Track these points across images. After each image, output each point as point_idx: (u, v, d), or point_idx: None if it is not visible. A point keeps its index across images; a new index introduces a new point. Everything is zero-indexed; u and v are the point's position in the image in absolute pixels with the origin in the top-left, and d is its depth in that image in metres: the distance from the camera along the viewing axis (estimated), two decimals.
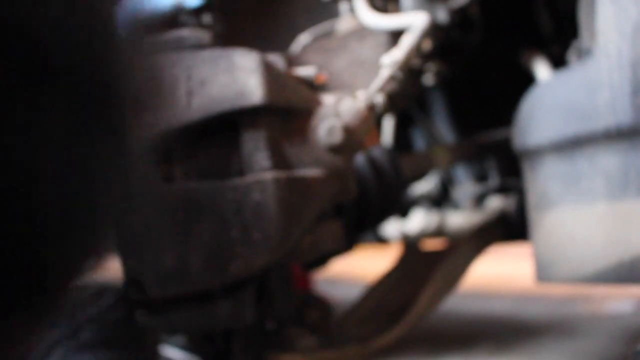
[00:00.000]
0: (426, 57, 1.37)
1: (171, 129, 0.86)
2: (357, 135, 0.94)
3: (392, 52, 1.04)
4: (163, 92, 0.88)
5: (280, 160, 0.88)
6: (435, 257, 1.39)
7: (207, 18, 1.05)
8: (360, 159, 1.24)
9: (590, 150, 0.95)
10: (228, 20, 1.37)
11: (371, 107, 0.97)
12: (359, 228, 1.27)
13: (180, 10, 1.02)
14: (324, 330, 1.21)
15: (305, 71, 1.00)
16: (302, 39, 1.27)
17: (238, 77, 0.87)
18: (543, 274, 1.10)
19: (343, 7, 1.28)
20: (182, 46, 0.93)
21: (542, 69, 1.29)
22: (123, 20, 0.98)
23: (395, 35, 1.15)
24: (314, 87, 0.99)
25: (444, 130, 1.68)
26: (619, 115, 0.89)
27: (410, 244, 1.53)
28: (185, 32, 0.97)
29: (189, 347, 1.21)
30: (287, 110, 0.91)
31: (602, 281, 0.97)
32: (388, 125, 1.68)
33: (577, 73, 0.99)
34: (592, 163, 0.95)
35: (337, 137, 0.91)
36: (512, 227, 1.48)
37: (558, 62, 1.28)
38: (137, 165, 0.86)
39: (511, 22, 1.46)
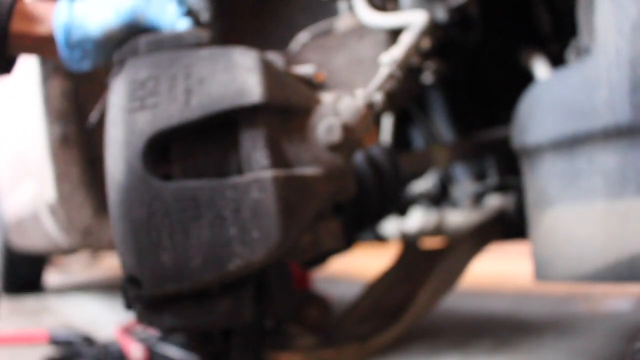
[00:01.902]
0: (425, 55, 1.37)
1: (170, 127, 0.86)
2: (356, 134, 0.94)
3: (391, 51, 1.04)
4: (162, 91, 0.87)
5: (279, 159, 0.88)
6: (434, 256, 1.39)
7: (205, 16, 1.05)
8: (359, 157, 1.24)
9: (589, 148, 0.95)
10: (228, 19, 1.37)
11: (370, 106, 0.97)
12: (358, 226, 1.27)
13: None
14: (323, 329, 1.21)
15: (304, 69, 1.00)
16: (301, 38, 1.27)
17: (237, 75, 0.87)
18: (542, 272, 1.10)
19: (342, 5, 1.28)
20: (181, 44, 0.93)
21: (541, 68, 1.29)
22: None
23: (394, 34, 1.15)
24: (313, 86, 0.99)
25: (443, 128, 1.68)
26: (617, 113, 0.89)
27: (409, 242, 1.53)
28: (184, 31, 0.96)
29: (187, 346, 1.21)
30: (286, 109, 0.91)
31: (600, 279, 0.97)
32: (387, 124, 1.68)
33: (576, 71, 0.99)
34: (591, 161, 0.95)
35: (336, 136, 0.91)
36: (511, 226, 1.49)
37: (557, 60, 1.28)
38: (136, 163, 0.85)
39: (510, 20, 1.46)
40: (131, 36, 0.96)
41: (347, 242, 1.18)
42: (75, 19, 0.96)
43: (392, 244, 1.79)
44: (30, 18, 0.97)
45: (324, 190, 0.91)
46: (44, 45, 0.98)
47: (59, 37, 0.96)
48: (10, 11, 0.95)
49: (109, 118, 0.89)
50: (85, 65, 0.99)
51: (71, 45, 0.97)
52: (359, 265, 3.48)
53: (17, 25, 0.96)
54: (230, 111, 0.86)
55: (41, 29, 0.97)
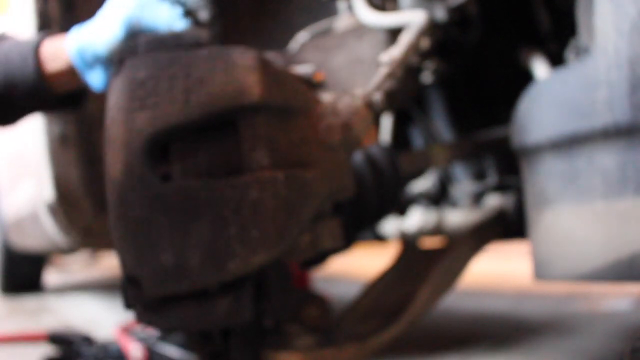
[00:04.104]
0: (424, 55, 1.37)
1: (169, 127, 0.86)
2: (355, 133, 0.94)
3: (391, 50, 1.04)
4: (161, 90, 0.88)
5: (278, 159, 0.88)
6: (434, 255, 1.39)
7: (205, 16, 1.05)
8: (358, 157, 1.24)
9: (588, 148, 0.95)
10: (228, 19, 1.37)
11: (369, 105, 0.97)
12: (357, 226, 1.27)
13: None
14: (322, 329, 1.21)
15: (303, 69, 1.00)
16: (301, 37, 1.27)
17: (236, 75, 0.87)
18: (541, 272, 1.10)
19: (341, 5, 1.28)
20: (180, 44, 0.93)
21: (540, 67, 1.29)
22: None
23: (394, 33, 1.15)
24: (312, 85, 0.99)
25: (442, 128, 1.68)
26: (616, 113, 0.89)
27: (409, 242, 1.53)
28: (184, 31, 0.97)
29: (187, 346, 1.21)
30: (285, 109, 0.91)
31: (600, 279, 0.97)
32: (386, 123, 1.68)
33: (575, 71, 0.99)
34: (590, 161, 0.95)
35: (335, 135, 0.91)
36: (510, 225, 1.48)
37: (556, 60, 1.28)
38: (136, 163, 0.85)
39: (509, 20, 1.46)
40: None
41: (346, 241, 1.18)
42: (84, 43, 1.00)
43: (391, 244, 1.79)
44: (54, 57, 1.02)
45: (323, 190, 0.91)
46: (75, 78, 1.03)
47: (78, 65, 1.00)
48: (36, 54, 1.01)
49: (108, 118, 0.89)
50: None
51: (90, 67, 1.00)
52: (359, 265, 3.48)
53: (49, 66, 1.02)
54: (230, 111, 0.86)
55: (63, 64, 1.02)
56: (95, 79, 1.01)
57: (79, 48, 1.00)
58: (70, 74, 1.02)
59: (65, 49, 1.01)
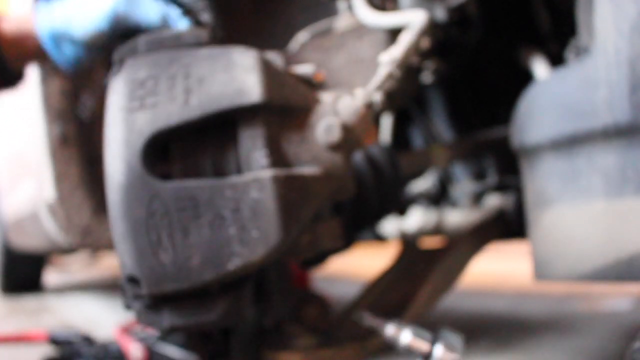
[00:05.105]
0: (424, 55, 1.37)
1: (169, 126, 0.86)
2: (355, 133, 0.94)
3: (391, 50, 1.03)
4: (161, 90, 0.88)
5: (278, 158, 0.88)
6: (434, 255, 1.39)
7: (205, 16, 1.05)
8: (358, 157, 1.24)
9: (588, 148, 0.95)
10: (228, 19, 1.37)
11: (369, 105, 0.97)
12: (358, 226, 1.27)
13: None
14: (322, 329, 1.21)
15: (303, 69, 1.00)
16: (301, 37, 1.27)
17: (236, 75, 0.87)
18: (541, 271, 1.10)
19: (341, 5, 1.28)
20: (180, 44, 0.93)
21: (540, 67, 1.29)
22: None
23: (394, 33, 1.15)
24: (312, 85, 0.99)
25: (442, 128, 1.68)
26: (616, 113, 0.89)
27: (409, 242, 1.53)
28: (184, 30, 0.96)
29: (187, 345, 1.21)
30: (285, 108, 0.91)
31: (600, 279, 0.97)
32: (386, 123, 1.68)
33: (575, 71, 0.99)
34: (590, 161, 0.95)
35: (336, 135, 0.91)
36: (510, 225, 1.49)
37: (556, 60, 1.28)
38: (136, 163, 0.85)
39: (509, 20, 1.46)
40: (116, 35, 0.98)
41: (346, 241, 1.18)
42: (59, 25, 0.97)
43: (391, 244, 1.79)
44: (19, 36, 0.98)
45: (324, 189, 0.91)
46: (41, 54, 1.00)
47: (48, 45, 0.98)
48: None
49: (108, 117, 0.89)
50: (78, 65, 1.00)
51: (61, 48, 0.98)
52: (359, 265, 3.48)
53: (9, 49, 0.98)
54: (230, 111, 0.86)
55: (33, 42, 0.99)
56: (65, 58, 0.99)
57: (53, 30, 0.96)
58: (40, 52, 0.98)
59: (33, 26, 0.97)
